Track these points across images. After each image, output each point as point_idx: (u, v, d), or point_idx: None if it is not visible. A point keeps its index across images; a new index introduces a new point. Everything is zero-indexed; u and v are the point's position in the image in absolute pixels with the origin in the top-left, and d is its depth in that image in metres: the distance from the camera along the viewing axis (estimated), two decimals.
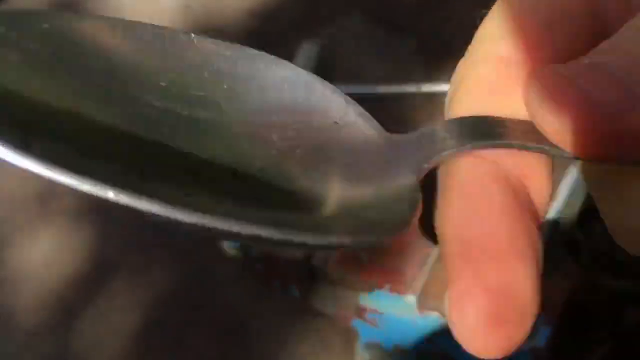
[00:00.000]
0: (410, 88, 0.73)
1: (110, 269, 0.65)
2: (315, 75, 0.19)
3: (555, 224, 0.66)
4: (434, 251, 0.47)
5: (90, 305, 0.63)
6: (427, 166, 0.17)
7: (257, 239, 0.14)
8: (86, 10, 0.85)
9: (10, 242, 0.68)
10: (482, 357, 0.18)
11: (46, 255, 0.67)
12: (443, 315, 0.46)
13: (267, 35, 0.80)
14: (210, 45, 0.19)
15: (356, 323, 0.50)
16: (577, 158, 0.17)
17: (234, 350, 0.59)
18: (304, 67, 0.73)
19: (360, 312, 0.48)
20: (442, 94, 0.72)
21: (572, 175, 0.69)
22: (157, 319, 0.62)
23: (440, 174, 0.19)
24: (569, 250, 1.10)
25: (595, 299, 1.05)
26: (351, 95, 0.66)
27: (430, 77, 0.75)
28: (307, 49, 0.75)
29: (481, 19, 0.22)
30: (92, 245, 0.67)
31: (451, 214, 0.18)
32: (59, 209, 0.70)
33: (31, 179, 0.74)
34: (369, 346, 0.46)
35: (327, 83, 0.19)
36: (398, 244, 0.47)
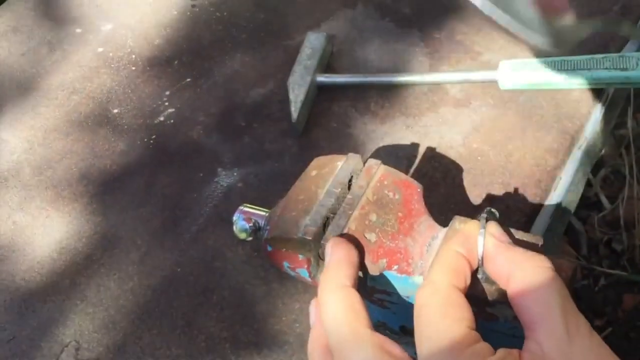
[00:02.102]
0: (414, 78, 0.73)
1: (122, 254, 0.66)
2: None
3: (555, 213, 0.67)
4: (440, 232, 0.47)
5: (102, 289, 0.64)
6: None
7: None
8: (89, 1, 0.86)
9: (23, 230, 0.69)
10: None
11: (59, 242, 0.68)
12: None
13: (273, 26, 0.80)
14: None
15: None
16: None
17: (244, 332, 0.60)
18: (309, 58, 0.76)
19: (368, 293, 0.48)
20: (445, 84, 0.73)
21: (573, 163, 0.69)
22: (168, 302, 0.63)
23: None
24: (568, 239, 1.11)
25: (593, 286, 1.06)
26: (356, 85, 0.70)
27: (434, 67, 0.75)
28: (313, 40, 0.75)
29: None
30: (104, 232, 0.68)
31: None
32: (71, 197, 0.71)
33: (45, 167, 0.74)
34: (376, 326, 0.46)
35: None
36: (405, 225, 0.47)
